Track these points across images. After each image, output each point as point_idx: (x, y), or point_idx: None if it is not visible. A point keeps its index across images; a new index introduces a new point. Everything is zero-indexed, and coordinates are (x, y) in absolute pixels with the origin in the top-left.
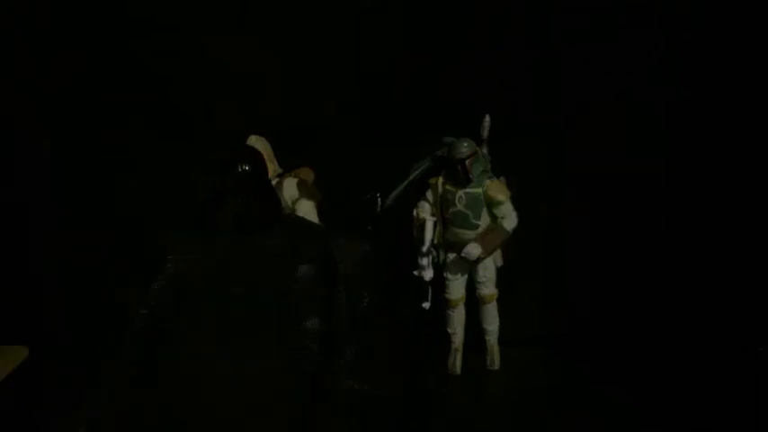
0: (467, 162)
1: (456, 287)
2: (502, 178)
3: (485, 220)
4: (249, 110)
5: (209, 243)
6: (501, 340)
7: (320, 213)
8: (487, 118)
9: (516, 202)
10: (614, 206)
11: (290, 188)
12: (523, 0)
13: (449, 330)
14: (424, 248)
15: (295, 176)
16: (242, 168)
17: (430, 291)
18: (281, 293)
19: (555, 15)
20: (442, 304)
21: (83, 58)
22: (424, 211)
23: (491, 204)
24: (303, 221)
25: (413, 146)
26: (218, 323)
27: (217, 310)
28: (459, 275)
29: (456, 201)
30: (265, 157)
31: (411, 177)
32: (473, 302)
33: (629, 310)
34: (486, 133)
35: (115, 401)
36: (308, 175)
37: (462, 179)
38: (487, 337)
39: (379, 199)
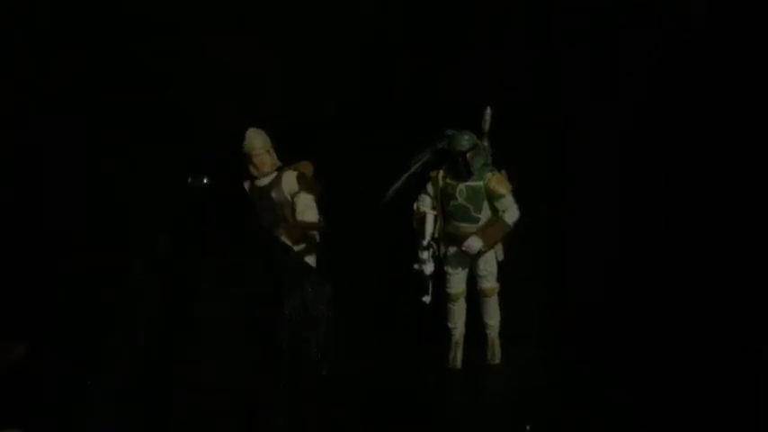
0: (467, 155)
1: (457, 281)
2: (503, 171)
3: (486, 214)
4: (249, 110)
5: (198, 246)
6: (501, 335)
7: (319, 206)
8: (488, 110)
9: (517, 197)
10: (614, 206)
11: (289, 181)
12: (523, 0)
13: (449, 324)
14: (425, 242)
15: (294, 170)
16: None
17: (430, 285)
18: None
19: (555, 15)
20: (443, 298)
21: (83, 58)
22: (425, 204)
23: (492, 197)
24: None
25: (413, 144)
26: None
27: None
28: (460, 269)
29: (457, 194)
30: (264, 149)
31: (411, 170)
32: (474, 296)
33: (628, 309)
34: (487, 126)
35: (117, 399)
36: (308, 168)
37: (463, 172)
38: (488, 331)
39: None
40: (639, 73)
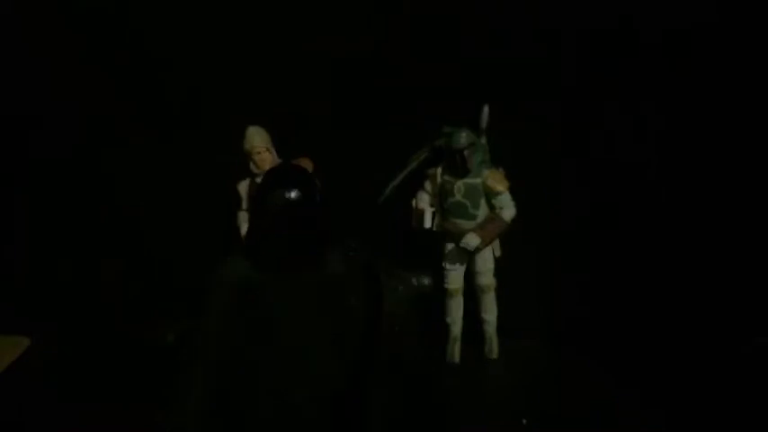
0: (465, 152)
1: (455, 277)
2: (501, 168)
3: (483, 211)
4: (249, 109)
5: (257, 274)
6: (499, 330)
7: None
8: (486, 108)
9: (515, 194)
10: (614, 202)
11: None
12: (523, 0)
13: (447, 320)
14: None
15: None
16: (288, 197)
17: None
18: (326, 325)
19: (555, 15)
20: (441, 294)
21: (83, 59)
22: (423, 201)
23: (490, 195)
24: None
25: (413, 144)
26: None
27: (266, 340)
28: (458, 265)
29: (455, 191)
30: (264, 147)
31: (410, 168)
32: (471, 292)
33: (627, 305)
34: (484, 123)
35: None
36: (308, 164)
37: (461, 169)
38: (486, 327)
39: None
40: (639, 73)
